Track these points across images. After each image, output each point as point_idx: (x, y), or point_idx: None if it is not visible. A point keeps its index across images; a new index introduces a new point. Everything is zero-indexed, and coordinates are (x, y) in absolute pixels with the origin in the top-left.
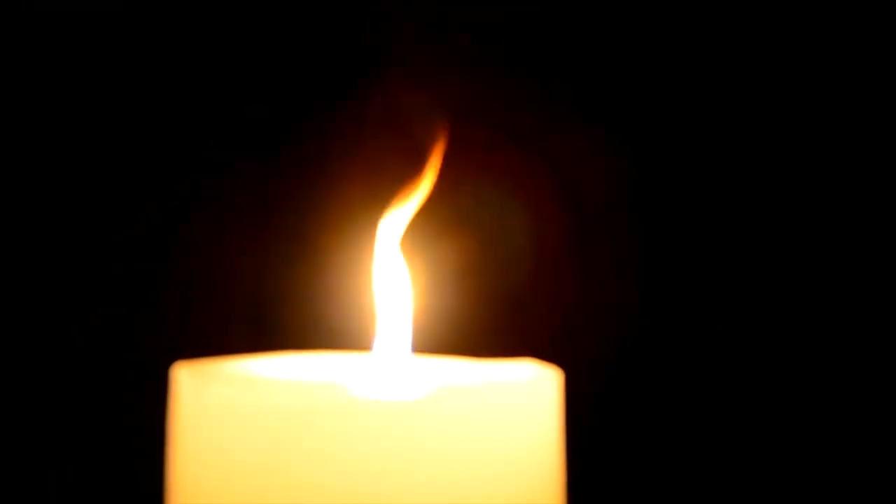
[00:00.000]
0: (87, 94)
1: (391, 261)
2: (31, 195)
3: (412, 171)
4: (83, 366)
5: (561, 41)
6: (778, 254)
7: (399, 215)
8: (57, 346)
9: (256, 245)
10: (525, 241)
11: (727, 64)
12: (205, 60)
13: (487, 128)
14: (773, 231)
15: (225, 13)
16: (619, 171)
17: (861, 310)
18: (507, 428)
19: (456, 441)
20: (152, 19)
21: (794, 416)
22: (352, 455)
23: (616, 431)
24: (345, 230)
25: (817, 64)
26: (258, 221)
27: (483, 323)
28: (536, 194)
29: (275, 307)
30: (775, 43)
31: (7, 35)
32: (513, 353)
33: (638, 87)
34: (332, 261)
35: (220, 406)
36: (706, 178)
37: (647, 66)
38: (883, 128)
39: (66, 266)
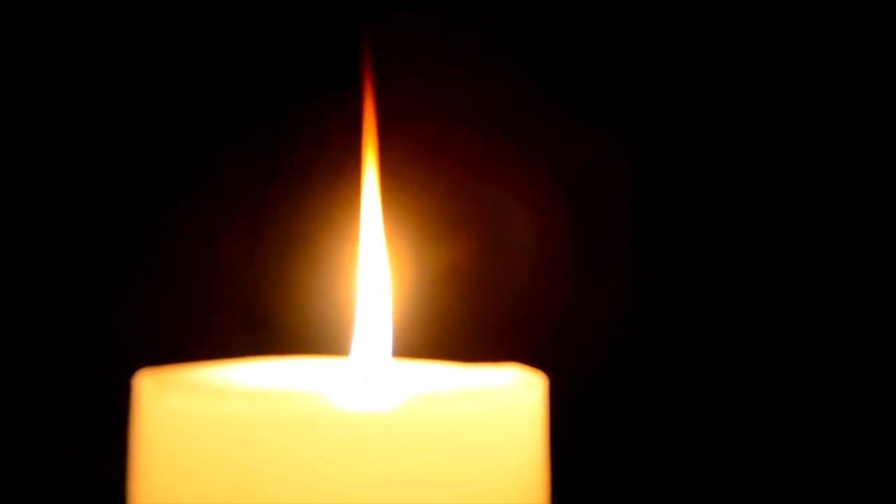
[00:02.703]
0: (77, 92)
1: (373, 261)
2: (24, 196)
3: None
4: (45, 371)
5: (561, 40)
6: (774, 261)
7: (369, 209)
8: (27, 350)
9: (236, 248)
10: (512, 244)
11: (731, 63)
12: (201, 60)
13: (478, 130)
14: (770, 238)
15: (222, 10)
16: (615, 174)
17: (857, 314)
18: (488, 436)
19: (435, 451)
20: (150, 19)
21: (785, 425)
22: (324, 468)
23: (603, 439)
24: (327, 232)
25: (820, 62)
26: (241, 224)
27: (467, 326)
28: (525, 198)
29: (257, 310)
30: (778, 41)
31: (7, 36)
32: (497, 358)
33: (638, 88)
34: (313, 263)
35: (182, 416)
36: (706, 181)
37: (648, 66)
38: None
39: (46, 267)
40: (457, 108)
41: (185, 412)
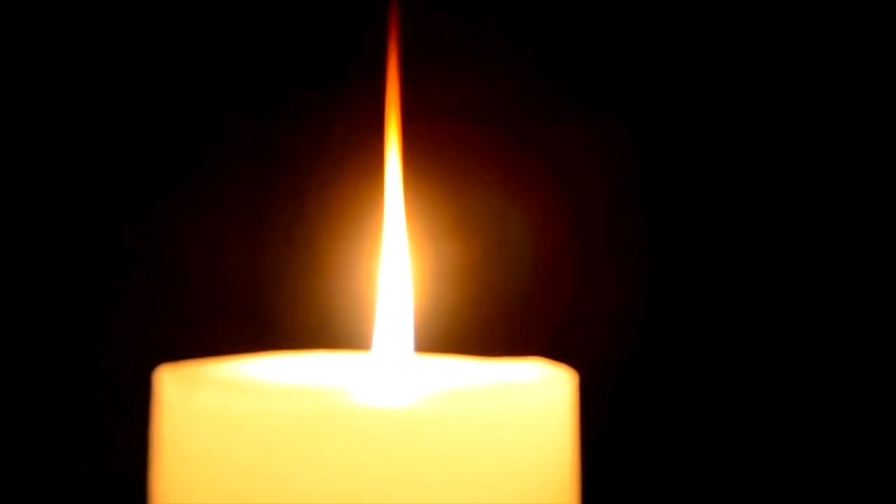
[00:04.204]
0: (76, 91)
1: (395, 255)
2: (26, 194)
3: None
4: (64, 367)
5: (563, 38)
6: (784, 246)
7: (392, 202)
8: (44, 347)
9: (251, 241)
10: (537, 236)
11: (733, 59)
12: (200, 56)
13: (495, 125)
14: (778, 225)
15: (221, 6)
16: (628, 167)
17: (873, 308)
18: (515, 433)
19: (459, 447)
20: (148, 15)
21: (816, 414)
22: (350, 464)
23: (634, 438)
24: (344, 226)
25: (820, 62)
26: (252, 216)
27: (492, 321)
28: (548, 192)
29: (271, 305)
30: (778, 40)
31: (5, 35)
32: (523, 353)
33: (641, 85)
34: (332, 257)
35: (207, 413)
36: (714, 172)
37: (649, 64)
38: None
39: (56, 265)
40: (478, 101)
41: (212, 408)
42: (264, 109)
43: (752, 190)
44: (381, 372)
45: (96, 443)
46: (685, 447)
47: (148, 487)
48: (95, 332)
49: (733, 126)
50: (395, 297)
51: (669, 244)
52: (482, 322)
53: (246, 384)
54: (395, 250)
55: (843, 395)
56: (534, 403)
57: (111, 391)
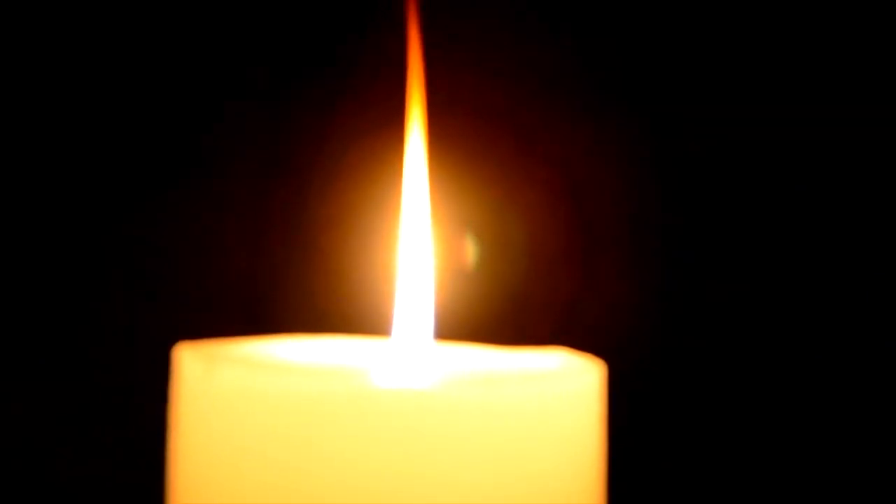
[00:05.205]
0: (77, 91)
1: (416, 242)
2: (26, 193)
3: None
4: (79, 352)
5: (565, 37)
6: (785, 245)
7: (414, 187)
8: (54, 332)
9: (260, 236)
10: (560, 226)
11: (736, 61)
12: (201, 55)
13: (518, 118)
14: (778, 224)
15: (221, 5)
16: (650, 159)
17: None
18: (538, 421)
19: (485, 432)
20: (149, 15)
21: (825, 408)
22: (370, 445)
23: (664, 431)
24: (364, 209)
25: (820, 62)
26: (261, 211)
27: (514, 312)
28: (572, 179)
29: (281, 300)
30: (779, 39)
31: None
32: (547, 343)
33: (645, 83)
34: (348, 247)
35: (228, 390)
36: (729, 164)
37: (652, 63)
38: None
39: (55, 263)
40: (499, 92)
41: (232, 386)
42: (264, 109)
43: (754, 187)
44: (401, 356)
45: (97, 442)
46: (704, 443)
47: (166, 466)
48: (95, 332)
49: (738, 126)
50: (415, 285)
51: (698, 239)
52: (503, 313)
53: (266, 362)
54: (416, 240)
55: (844, 391)
56: (561, 391)
57: (112, 391)
